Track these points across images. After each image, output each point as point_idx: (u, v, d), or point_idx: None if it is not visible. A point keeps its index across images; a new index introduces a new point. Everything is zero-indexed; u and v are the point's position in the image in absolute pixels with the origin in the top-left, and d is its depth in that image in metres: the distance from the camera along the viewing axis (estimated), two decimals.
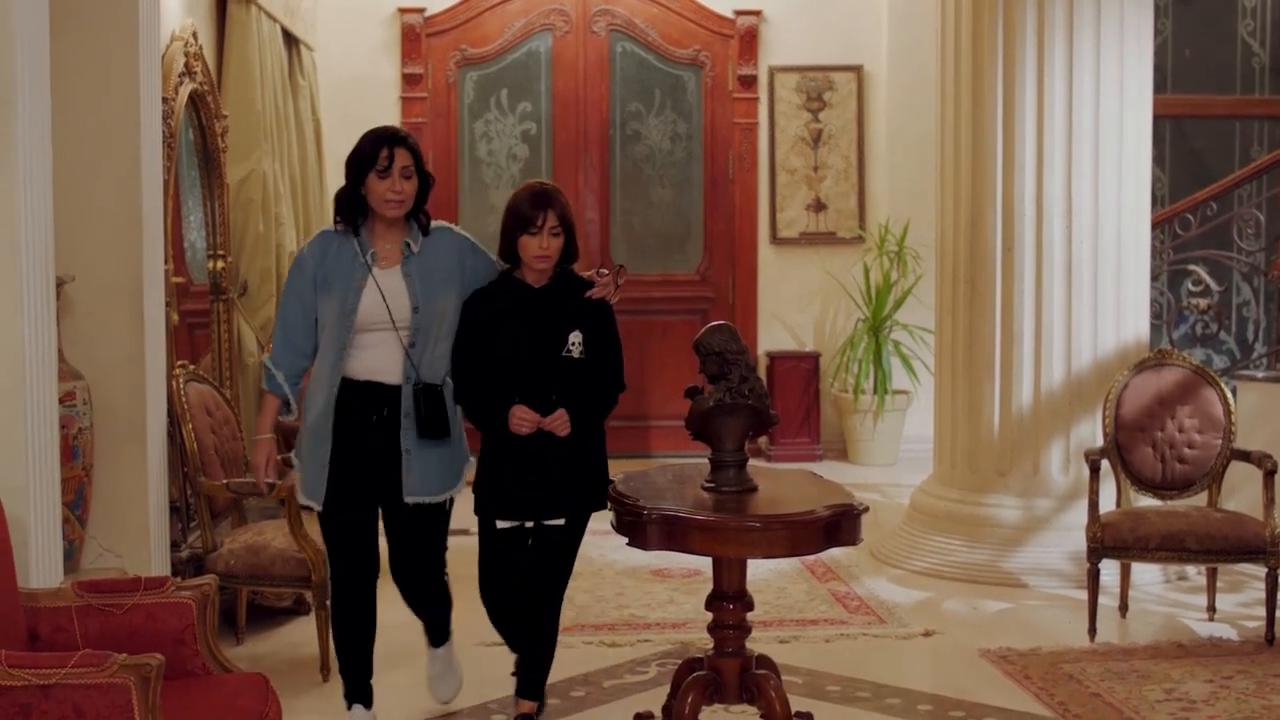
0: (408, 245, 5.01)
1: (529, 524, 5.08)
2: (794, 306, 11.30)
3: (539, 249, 4.97)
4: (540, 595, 5.13)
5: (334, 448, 4.99)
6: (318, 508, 5.07)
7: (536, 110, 11.06)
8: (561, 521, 5.06)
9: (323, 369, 5.01)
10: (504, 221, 5.04)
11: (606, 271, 5.19)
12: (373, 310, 4.93)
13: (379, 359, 4.97)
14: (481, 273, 5.12)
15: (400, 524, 5.11)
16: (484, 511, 5.12)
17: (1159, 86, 8.19)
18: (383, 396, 4.98)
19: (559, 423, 4.93)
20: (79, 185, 5.46)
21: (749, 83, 11.15)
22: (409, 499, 5.02)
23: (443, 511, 5.16)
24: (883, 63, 11.16)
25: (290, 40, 8.73)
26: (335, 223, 5.05)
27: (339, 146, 9.75)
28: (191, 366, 6.45)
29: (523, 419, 4.92)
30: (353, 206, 4.99)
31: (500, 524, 5.09)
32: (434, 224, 5.11)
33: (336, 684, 5.73)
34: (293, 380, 5.09)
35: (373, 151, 4.90)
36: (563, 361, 4.99)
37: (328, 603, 5.87)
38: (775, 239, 11.24)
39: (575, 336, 5.00)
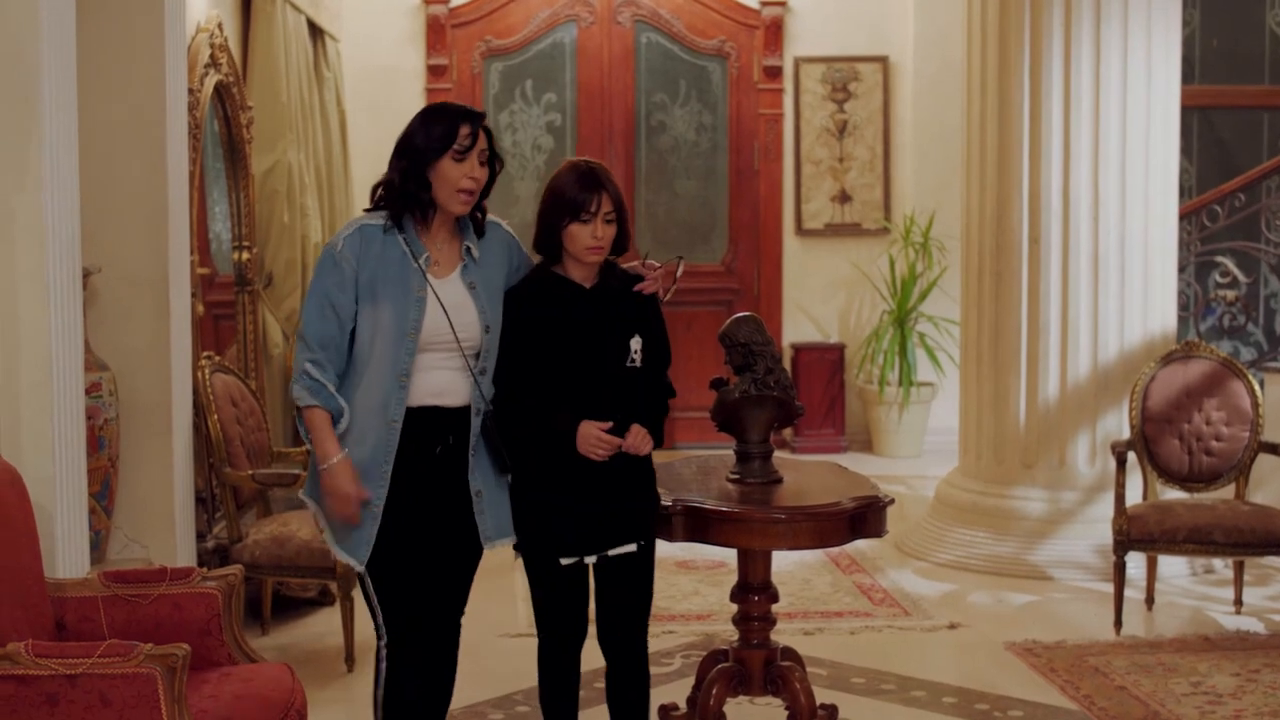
0: (468, 250, 4.18)
1: (589, 559, 4.27)
2: (819, 298, 11.28)
3: (592, 239, 4.17)
4: (624, 635, 4.37)
5: (391, 490, 4.12)
6: (359, 566, 4.18)
7: (561, 101, 11.06)
8: (633, 548, 4.28)
9: (371, 397, 4.09)
10: (544, 207, 4.25)
11: (656, 263, 4.44)
12: (436, 328, 4.08)
13: (437, 380, 4.13)
14: (523, 274, 4.37)
15: (452, 572, 4.29)
16: (542, 548, 4.28)
17: (1186, 77, 8.16)
18: (445, 423, 4.15)
19: (639, 440, 4.20)
20: (105, 177, 5.47)
21: (774, 73, 11.13)
22: (490, 545, 4.24)
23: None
24: (908, 54, 11.12)
25: (315, 31, 8.74)
26: (375, 213, 4.15)
27: (364, 137, 9.87)
28: (217, 357, 6.46)
29: (600, 439, 4.15)
30: (409, 197, 4.10)
31: (564, 560, 4.25)
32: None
33: (361, 675, 5.76)
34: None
35: (450, 130, 4.05)
36: (626, 373, 4.26)
37: (352, 593, 5.90)
38: (800, 230, 11.22)
39: (636, 343, 4.26)
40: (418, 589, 4.21)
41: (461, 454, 4.17)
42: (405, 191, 4.07)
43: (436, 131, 4.06)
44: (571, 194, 4.17)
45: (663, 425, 4.33)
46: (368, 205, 4.19)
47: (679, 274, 4.54)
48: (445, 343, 4.10)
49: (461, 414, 4.16)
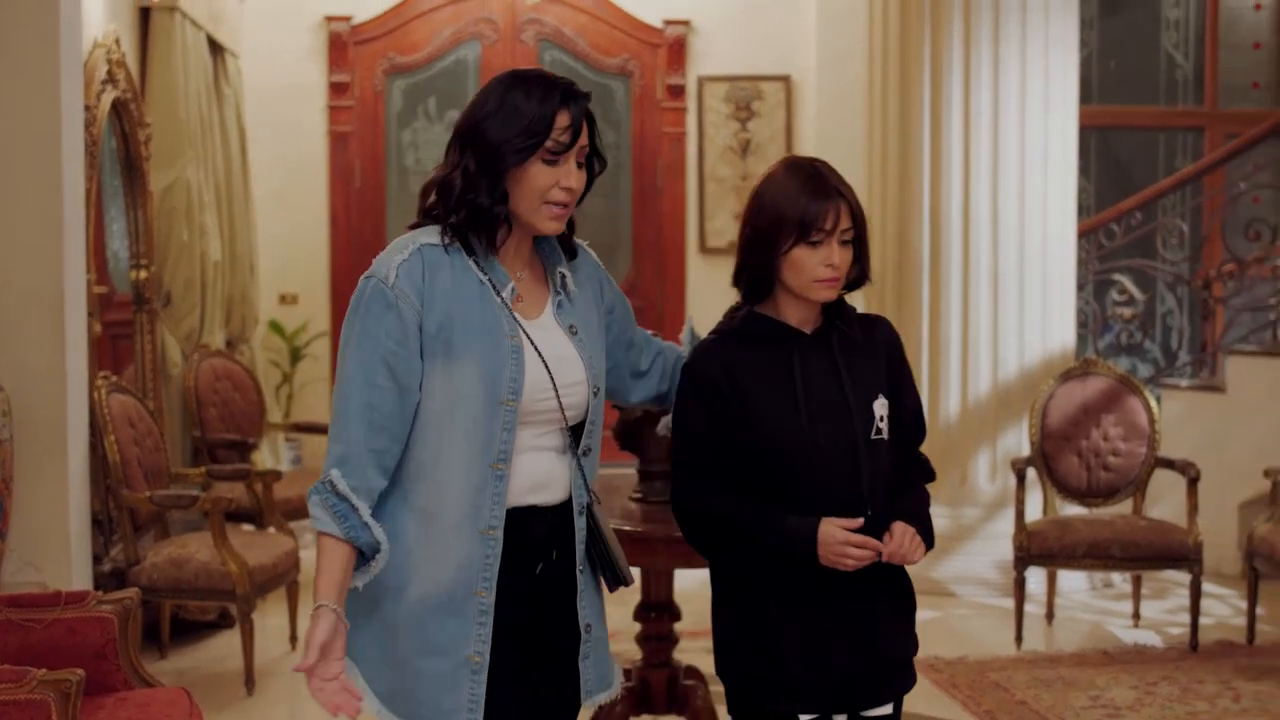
0: (562, 280, 3.00)
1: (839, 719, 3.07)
2: (722, 315, 11.29)
3: (824, 268, 3.01)
4: None
5: (496, 630, 2.84)
6: None
7: None
8: (889, 710, 3.15)
9: (450, 496, 2.81)
10: (752, 229, 3.11)
11: None
12: (537, 389, 2.84)
13: (533, 468, 2.89)
14: (617, 316, 3.19)
15: None
16: (768, 699, 3.06)
17: (1084, 97, 8.27)
18: (545, 529, 2.92)
19: (909, 545, 3.02)
20: None
21: (677, 92, 11.15)
22: (590, 700, 3.03)
23: None
24: (811, 73, 11.18)
25: (215, 47, 8.66)
26: (427, 227, 2.87)
27: (264, 154, 9.78)
28: (114, 377, 6.37)
29: (851, 542, 2.93)
30: (479, 212, 2.82)
31: (804, 717, 3.05)
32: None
33: (260, 698, 5.70)
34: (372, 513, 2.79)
35: (543, 119, 2.78)
36: (872, 448, 3.05)
37: (252, 616, 5.83)
38: (704, 248, 11.24)
39: (881, 406, 3.07)
40: None
41: (566, 571, 2.96)
42: (474, 205, 2.81)
43: (523, 120, 2.78)
44: (798, 208, 3.01)
45: (930, 521, 3.15)
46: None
47: None
48: (546, 413, 2.87)
49: (560, 513, 2.94)
